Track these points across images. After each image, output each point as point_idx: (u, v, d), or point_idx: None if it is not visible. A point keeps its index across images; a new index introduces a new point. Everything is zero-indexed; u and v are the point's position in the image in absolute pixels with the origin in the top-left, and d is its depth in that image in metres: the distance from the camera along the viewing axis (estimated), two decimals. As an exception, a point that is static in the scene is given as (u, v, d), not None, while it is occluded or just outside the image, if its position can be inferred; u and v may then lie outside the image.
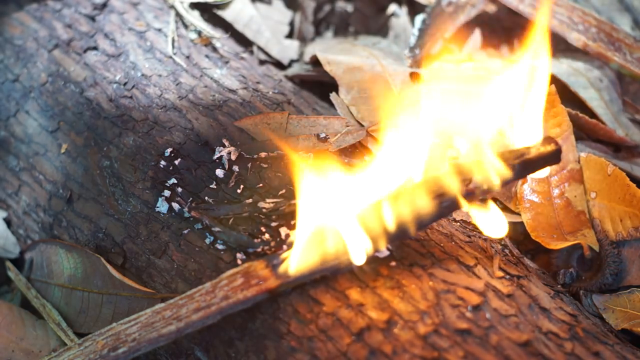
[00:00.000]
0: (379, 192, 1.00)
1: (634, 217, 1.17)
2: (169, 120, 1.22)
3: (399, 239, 1.00)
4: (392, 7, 1.57)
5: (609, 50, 1.37)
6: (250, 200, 1.11)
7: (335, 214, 0.97)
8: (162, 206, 1.14)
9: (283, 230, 1.07)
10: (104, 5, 1.38)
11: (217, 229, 1.09)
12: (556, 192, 1.22)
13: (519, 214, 1.21)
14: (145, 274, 1.13)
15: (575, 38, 1.37)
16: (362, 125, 1.23)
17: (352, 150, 1.21)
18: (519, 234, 1.23)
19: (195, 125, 1.21)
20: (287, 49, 1.46)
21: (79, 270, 1.17)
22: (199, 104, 1.24)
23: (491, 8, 1.49)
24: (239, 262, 1.06)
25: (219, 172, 1.15)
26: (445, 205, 0.99)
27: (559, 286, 1.12)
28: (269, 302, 1.01)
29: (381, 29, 1.57)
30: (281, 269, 0.99)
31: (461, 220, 1.16)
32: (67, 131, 1.27)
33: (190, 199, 1.13)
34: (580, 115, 1.29)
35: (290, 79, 1.39)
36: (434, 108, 1.02)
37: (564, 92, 1.30)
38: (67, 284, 1.19)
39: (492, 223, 1.03)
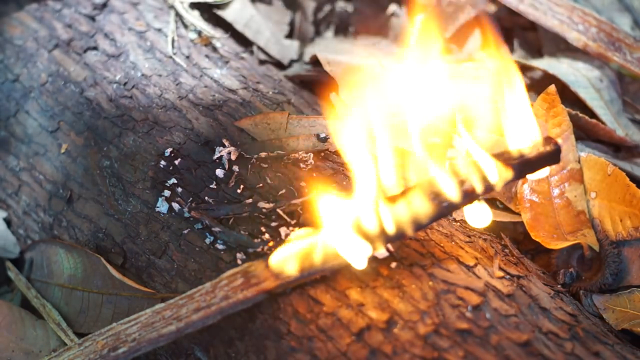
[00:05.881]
0: (377, 193, 1.00)
1: (634, 217, 1.17)
2: (169, 120, 1.22)
3: (398, 239, 1.00)
4: (392, 7, 1.57)
5: (609, 50, 1.37)
6: (250, 200, 1.11)
7: (334, 215, 0.97)
8: (162, 206, 1.14)
9: (283, 230, 1.07)
10: (104, 5, 1.38)
11: (217, 229, 1.09)
12: (556, 192, 1.22)
13: (519, 214, 1.21)
14: (145, 274, 1.13)
15: (575, 38, 1.37)
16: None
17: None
18: (519, 234, 1.23)
19: (195, 125, 1.20)
20: (287, 49, 1.46)
21: (79, 270, 1.17)
22: (199, 104, 1.24)
23: (491, 8, 1.49)
24: (239, 262, 1.06)
25: (219, 172, 1.15)
26: (444, 206, 0.99)
27: (559, 286, 1.12)
28: (269, 302, 1.01)
29: (381, 29, 1.57)
30: (280, 268, 1.00)
31: (461, 220, 1.16)
32: (67, 131, 1.27)
33: (190, 199, 1.13)
34: (580, 115, 1.29)
35: (290, 79, 1.39)
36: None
37: (564, 92, 1.30)
38: (67, 284, 1.19)
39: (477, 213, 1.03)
